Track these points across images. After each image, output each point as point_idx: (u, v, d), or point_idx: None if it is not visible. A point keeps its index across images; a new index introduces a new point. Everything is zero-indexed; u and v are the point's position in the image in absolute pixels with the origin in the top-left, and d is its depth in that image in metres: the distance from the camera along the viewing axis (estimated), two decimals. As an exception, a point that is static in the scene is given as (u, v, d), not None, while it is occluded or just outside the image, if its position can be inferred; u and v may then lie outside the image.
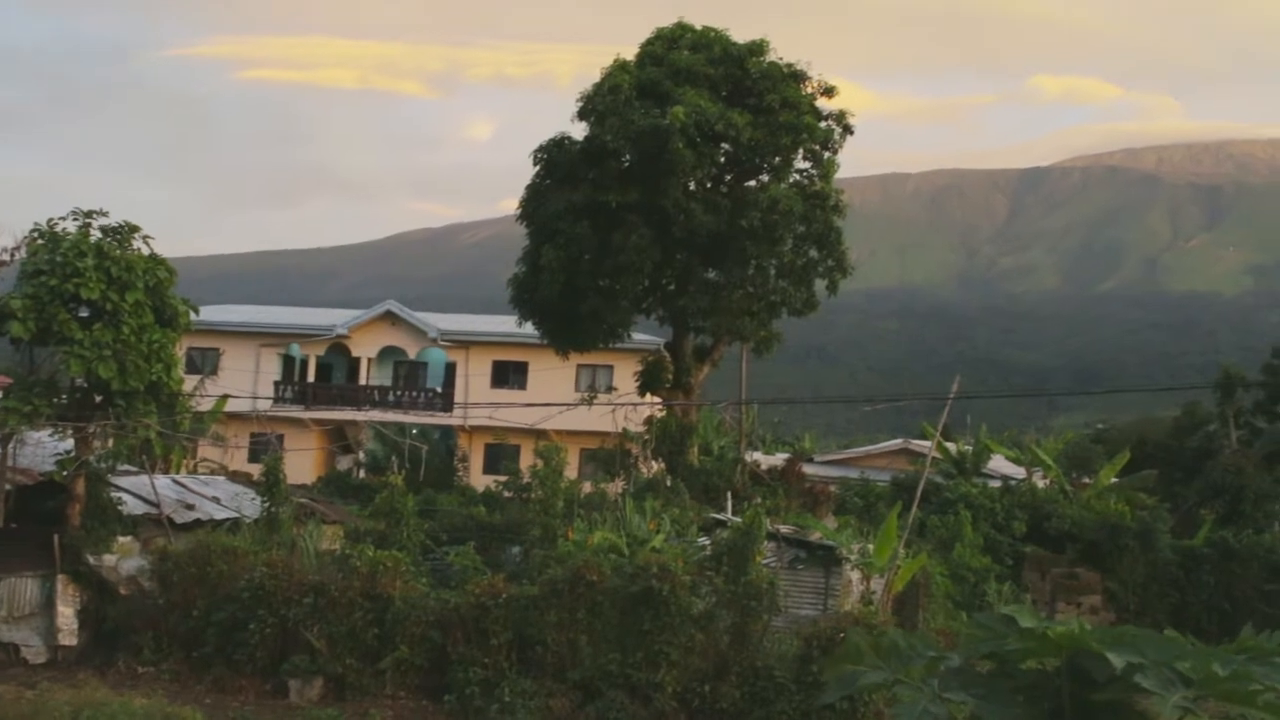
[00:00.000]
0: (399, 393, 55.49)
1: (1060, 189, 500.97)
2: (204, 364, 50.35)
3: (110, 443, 23.01)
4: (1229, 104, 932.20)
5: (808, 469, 43.69)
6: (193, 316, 23.55)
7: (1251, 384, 52.53)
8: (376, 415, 53.06)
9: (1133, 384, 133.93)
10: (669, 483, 35.14)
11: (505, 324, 48.85)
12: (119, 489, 23.41)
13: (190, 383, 27.51)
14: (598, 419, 42.09)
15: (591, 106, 37.16)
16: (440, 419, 54.37)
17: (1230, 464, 43.13)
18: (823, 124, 38.19)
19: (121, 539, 22.22)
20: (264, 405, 50.23)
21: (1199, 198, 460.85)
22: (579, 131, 38.59)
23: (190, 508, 24.69)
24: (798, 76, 38.20)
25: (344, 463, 52.96)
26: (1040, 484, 39.48)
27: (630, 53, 38.60)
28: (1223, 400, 50.11)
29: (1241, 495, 40.65)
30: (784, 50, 38.76)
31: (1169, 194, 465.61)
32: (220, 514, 24.99)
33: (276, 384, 54.89)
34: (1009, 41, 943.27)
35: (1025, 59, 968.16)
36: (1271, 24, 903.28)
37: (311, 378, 55.94)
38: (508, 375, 54.87)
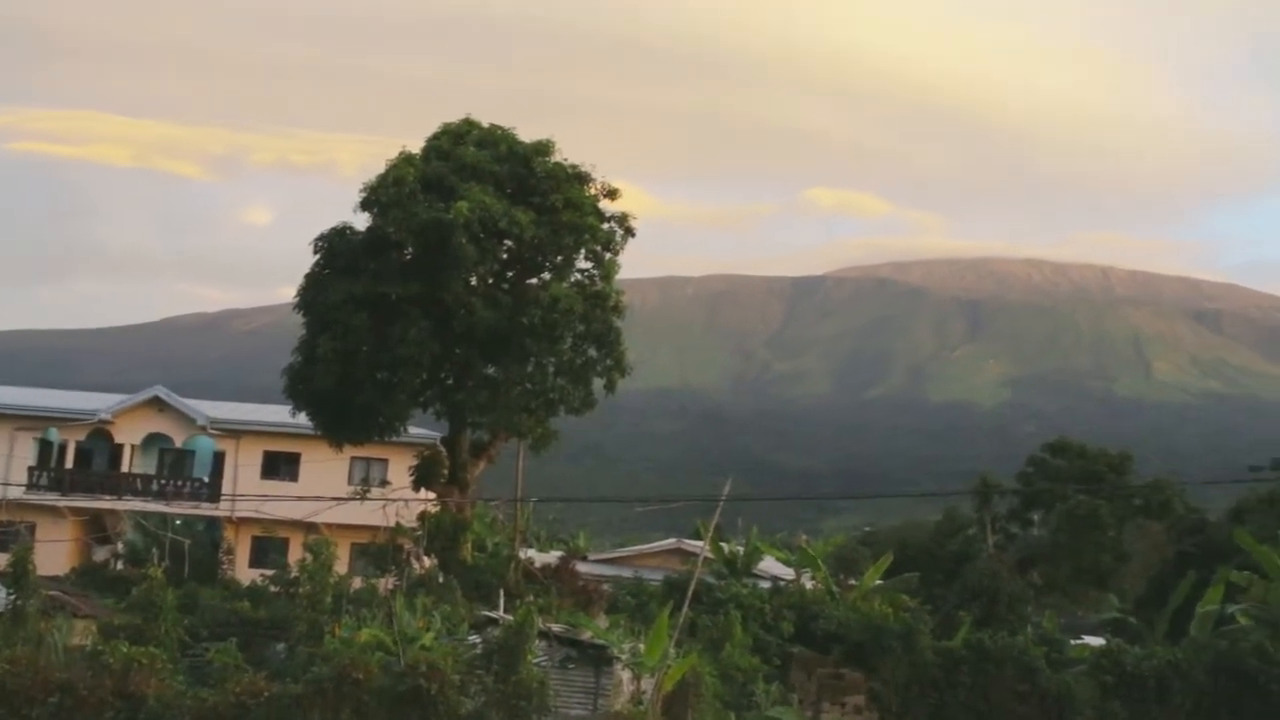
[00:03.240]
0: (163, 481, 53.53)
1: (832, 298, 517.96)
2: (-49, 447, 47.84)
3: None
4: (989, 225, 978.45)
5: (582, 567, 43.72)
6: (-58, 397, 22.48)
7: (1007, 491, 54.97)
8: (138, 504, 51.09)
9: (897, 489, 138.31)
10: (441, 579, 34.78)
11: (278, 414, 47.83)
12: None
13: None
14: (370, 513, 41.32)
15: (375, 198, 37.01)
16: (206, 510, 52.62)
17: (987, 568, 44.86)
18: (605, 225, 38.86)
19: None
20: (16, 492, 47.99)
21: (962, 311, 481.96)
22: (361, 222, 38.45)
23: (-72, 600, 23.33)
24: (582, 178, 38.81)
25: (101, 554, 50.69)
26: (809, 585, 40.33)
27: (416, 146, 38.69)
28: (980, 506, 52.29)
29: (997, 598, 42.17)
30: (569, 151, 39.40)
31: (934, 307, 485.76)
32: (-39, 607, 23.66)
33: (31, 469, 52.40)
34: (786, 154, 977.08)
35: (802, 172, 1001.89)
36: (1027, 152, 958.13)
37: (70, 464, 53.61)
38: (279, 466, 53.55)
